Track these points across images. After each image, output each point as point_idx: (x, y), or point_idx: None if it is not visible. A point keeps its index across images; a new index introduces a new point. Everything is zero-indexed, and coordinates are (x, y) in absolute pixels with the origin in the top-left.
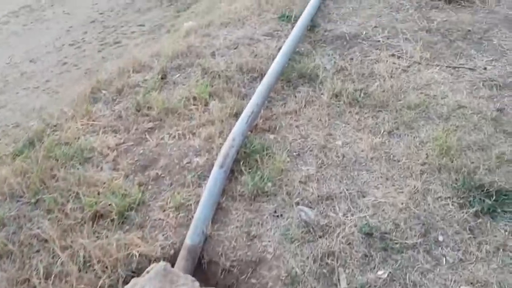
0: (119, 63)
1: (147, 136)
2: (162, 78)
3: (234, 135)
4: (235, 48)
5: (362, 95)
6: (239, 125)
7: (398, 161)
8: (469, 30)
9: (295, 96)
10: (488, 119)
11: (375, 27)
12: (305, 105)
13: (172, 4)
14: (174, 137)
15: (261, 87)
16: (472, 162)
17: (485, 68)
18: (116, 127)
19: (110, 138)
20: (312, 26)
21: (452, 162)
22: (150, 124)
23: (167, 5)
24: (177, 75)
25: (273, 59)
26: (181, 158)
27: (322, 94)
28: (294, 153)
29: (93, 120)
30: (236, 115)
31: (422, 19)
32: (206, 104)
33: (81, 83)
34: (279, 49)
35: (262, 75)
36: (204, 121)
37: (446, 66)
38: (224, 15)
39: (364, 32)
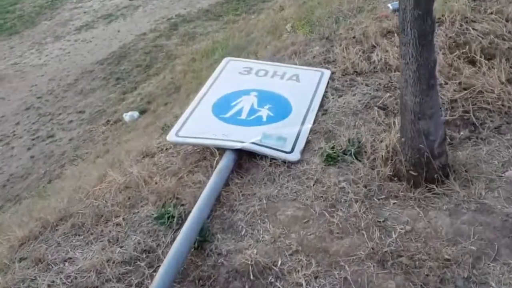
0: None
1: None
2: None
3: None
4: None
5: None
6: None
7: None
8: (448, 260)
9: None
10: None
11: (296, 251)
12: None
13: (119, 83)
14: None
15: None
16: None
17: None
18: None
19: None
20: (201, 242)
21: None
22: None
23: (113, 84)
24: None
25: None
26: None
27: None
28: None
29: None
30: None
31: (373, 229)
32: None
33: None
34: None
35: None
36: None
37: None
38: (85, 200)
39: (279, 262)
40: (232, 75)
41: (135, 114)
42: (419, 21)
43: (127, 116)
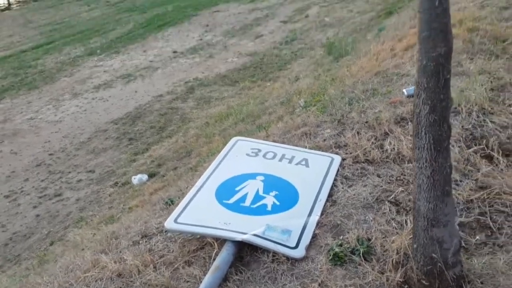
0: None
1: None
2: None
3: None
4: None
5: None
6: None
7: None
8: None
9: None
10: None
11: None
12: None
13: (131, 143)
14: None
15: None
16: None
17: None
18: None
19: None
20: None
21: None
22: None
23: (126, 144)
24: None
25: None
26: None
27: None
28: None
29: None
30: None
31: None
32: None
33: None
34: None
35: None
36: None
37: None
38: (75, 286)
39: None
40: (239, 156)
41: (144, 177)
42: (434, 127)
43: (135, 179)
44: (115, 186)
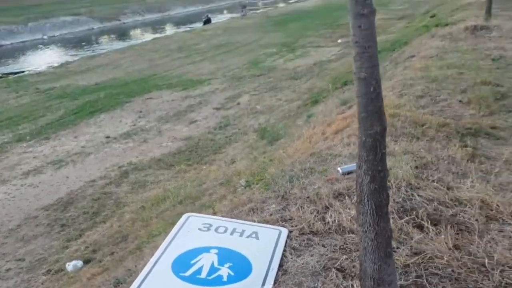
0: None
1: None
2: None
3: None
4: None
5: None
6: None
7: None
8: None
9: None
10: None
11: None
12: None
13: (63, 230)
14: None
15: None
16: None
17: None
18: None
19: None
20: None
21: None
22: None
23: (58, 230)
24: None
25: None
26: None
27: None
28: None
29: None
30: None
31: None
32: None
33: None
34: None
35: None
36: None
37: None
38: None
39: None
40: (191, 232)
41: (79, 263)
42: (375, 194)
43: (70, 266)
44: (48, 273)
